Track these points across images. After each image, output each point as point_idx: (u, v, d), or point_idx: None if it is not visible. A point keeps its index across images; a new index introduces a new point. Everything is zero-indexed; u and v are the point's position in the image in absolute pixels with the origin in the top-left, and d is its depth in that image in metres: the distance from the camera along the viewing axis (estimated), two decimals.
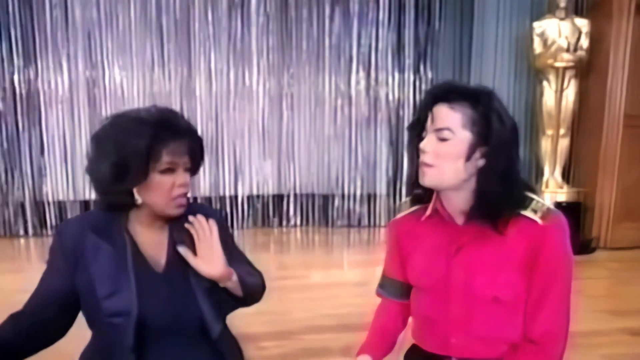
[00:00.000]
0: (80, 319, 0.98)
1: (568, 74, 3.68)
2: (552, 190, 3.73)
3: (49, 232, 4.06)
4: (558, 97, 3.69)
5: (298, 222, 4.51)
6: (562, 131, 3.76)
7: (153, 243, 0.99)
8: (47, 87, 4.00)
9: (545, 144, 3.81)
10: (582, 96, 3.80)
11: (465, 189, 0.94)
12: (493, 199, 0.91)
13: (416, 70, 4.37)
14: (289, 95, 4.36)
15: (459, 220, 0.97)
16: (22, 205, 4.08)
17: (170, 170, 0.93)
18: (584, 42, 3.64)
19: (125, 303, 0.91)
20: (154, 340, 0.94)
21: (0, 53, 3.88)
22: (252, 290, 1.02)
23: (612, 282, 3.28)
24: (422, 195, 1.00)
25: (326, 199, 4.51)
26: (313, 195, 4.51)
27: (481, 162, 0.91)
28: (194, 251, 0.95)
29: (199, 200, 4.02)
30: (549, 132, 3.77)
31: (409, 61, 4.36)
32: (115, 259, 0.94)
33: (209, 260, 0.94)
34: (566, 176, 3.94)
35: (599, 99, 3.74)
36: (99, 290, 0.91)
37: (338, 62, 4.34)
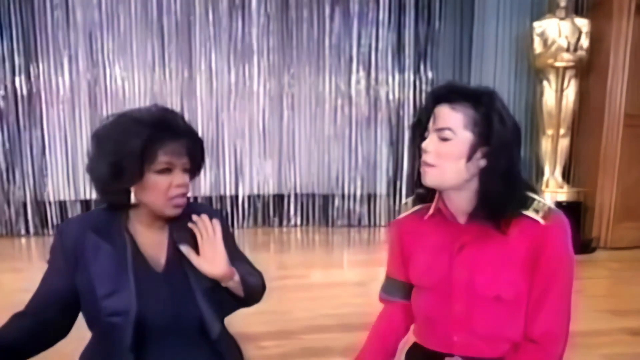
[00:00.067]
0: (80, 319, 0.98)
1: (568, 73, 3.68)
2: (553, 190, 3.73)
3: (50, 231, 4.07)
4: (558, 96, 3.69)
5: (298, 221, 4.52)
6: (562, 131, 3.76)
7: (153, 243, 0.99)
8: (48, 87, 4.01)
9: (546, 144, 3.81)
10: (582, 96, 3.80)
11: (468, 189, 0.94)
12: (495, 199, 0.91)
13: (416, 70, 4.37)
14: (289, 95, 4.36)
15: (462, 219, 0.97)
16: (24, 205, 4.09)
17: (167, 170, 0.93)
18: (584, 42, 3.64)
19: (125, 302, 0.91)
20: (153, 340, 0.94)
21: (2, 53, 3.89)
22: (253, 290, 1.02)
23: (612, 281, 3.28)
24: (424, 194, 1.00)
25: (326, 198, 4.51)
26: (313, 195, 4.51)
27: (482, 163, 0.92)
28: (196, 250, 0.95)
29: (199, 200, 4.03)
30: (549, 131, 3.77)
31: (409, 61, 4.36)
32: (115, 258, 0.94)
33: (211, 259, 0.94)
34: (566, 176, 3.94)
35: (599, 99, 3.74)
36: (98, 289, 0.91)
37: (338, 62, 4.35)
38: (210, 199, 4.31)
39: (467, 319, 0.96)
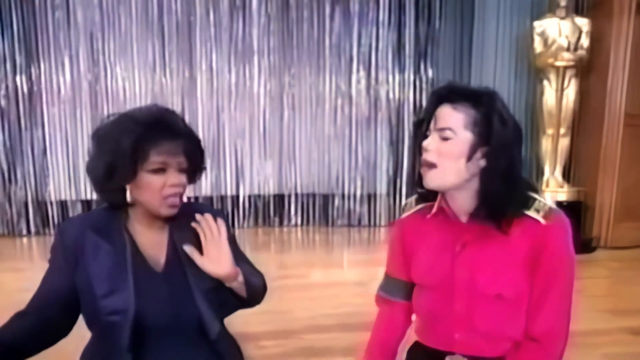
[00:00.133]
0: (81, 318, 0.98)
1: (568, 73, 3.68)
2: (553, 190, 3.73)
3: (51, 231, 4.08)
4: (558, 96, 3.69)
5: (299, 221, 4.52)
6: (562, 130, 3.76)
7: (153, 243, 0.99)
8: (49, 87, 4.02)
9: (546, 143, 3.81)
10: (582, 95, 3.79)
11: (468, 189, 0.95)
12: (496, 199, 0.92)
13: (416, 70, 4.37)
14: (289, 95, 4.36)
15: (464, 218, 0.98)
16: (25, 205, 4.10)
17: (161, 170, 0.93)
18: (585, 42, 3.64)
19: (123, 302, 0.91)
20: (152, 340, 0.94)
21: (3, 53, 3.90)
22: (256, 291, 1.02)
23: (612, 281, 3.28)
24: (427, 194, 1.01)
25: (326, 198, 4.52)
26: (314, 195, 4.52)
27: (482, 163, 0.92)
28: (199, 250, 0.95)
29: (200, 200, 4.04)
30: (550, 131, 3.77)
31: (409, 61, 4.35)
32: (115, 258, 0.94)
33: (216, 259, 0.93)
34: (566, 175, 3.94)
35: (599, 98, 3.74)
36: (97, 289, 0.91)
37: (338, 62, 4.35)
38: (210, 198, 4.32)
39: (469, 318, 0.97)
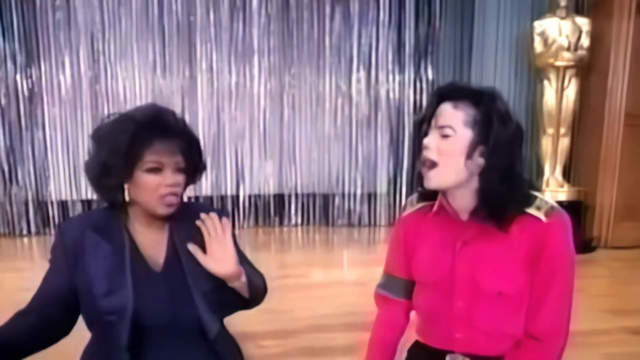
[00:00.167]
0: (81, 319, 0.98)
1: (569, 73, 3.68)
2: (553, 190, 3.73)
3: (52, 231, 4.08)
4: (559, 96, 3.69)
5: (299, 221, 4.52)
6: (562, 130, 3.76)
7: (152, 242, 0.99)
8: (50, 87, 4.03)
9: (546, 143, 3.81)
10: (582, 95, 3.80)
11: (468, 188, 0.95)
12: (494, 198, 0.92)
13: (417, 70, 4.38)
14: (289, 95, 4.37)
15: (464, 216, 0.98)
16: (25, 204, 4.11)
17: (156, 169, 0.93)
18: (585, 41, 3.64)
19: (121, 301, 0.91)
20: (151, 340, 0.94)
21: (4, 53, 3.91)
22: (257, 291, 1.02)
23: (612, 281, 3.28)
24: (428, 192, 1.02)
25: (327, 198, 4.52)
26: (314, 195, 4.52)
27: (481, 161, 0.92)
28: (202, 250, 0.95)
29: (200, 200, 4.04)
30: (550, 131, 3.77)
31: (409, 61, 4.36)
32: (114, 257, 0.94)
33: (220, 258, 0.93)
34: (567, 175, 3.94)
35: (599, 98, 3.74)
36: (95, 288, 0.91)
37: (339, 62, 4.35)
38: (211, 198, 4.32)
39: (469, 316, 0.97)
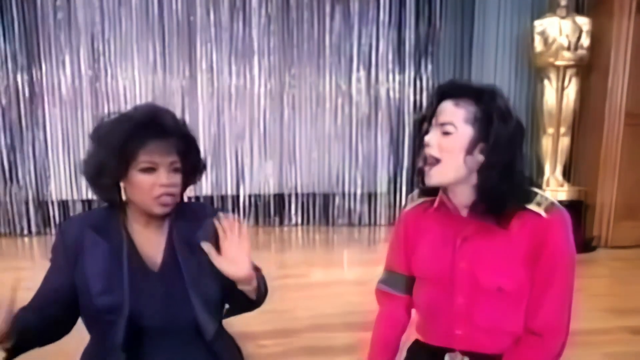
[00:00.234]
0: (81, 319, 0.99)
1: (569, 72, 3.68)
2: (553, 189, 3.72)
3: (52, 230, 4.08)
4: (559, 95, 3.69)
5: (299, 221, 4.52)
6: (562, 130, 3.76)
7: (150, 242, 0.99)
8: (50, 87, 4.03)
9: (546, 143, 3.81)
10: (583, 95, 3.79)
11: (467, 184, 0.96)
12: (493, 195, 0.93)
13: (417, 69, 4.37)
14: (290, 95, 4.36)
15: (464, 212, 0.99)
16: (26, 204, 4.11)
17: (150, 169, 0.93)
18: (585, 41, 3.63)
19: (117, 300, 0.91)
20: (149, 340, 0.94)
21: (4, 53, 3.91)
22: (262, 295, 1.02)
23: (613, 280, 3.28)
24: (429, 188, 1.02)
25: (327, 197, 4.52)
26: (314, 194, 4.52)
27: (480, 158, 0.93)
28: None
29: (200, 200, 4.04)
30: (550, 130, 3.77)
31: (409, 60, 4.35)
32: (112, 256, 0.94)
33: (234, 260, 0.91)
34: (567, 175, 3.94)
35: (599, 98, 3.74)
36: (92, 287, 0.92)
37: (339, 62, 4.35)
38: (211, 198, 4.32)
39: (469, 312, 0.97)
